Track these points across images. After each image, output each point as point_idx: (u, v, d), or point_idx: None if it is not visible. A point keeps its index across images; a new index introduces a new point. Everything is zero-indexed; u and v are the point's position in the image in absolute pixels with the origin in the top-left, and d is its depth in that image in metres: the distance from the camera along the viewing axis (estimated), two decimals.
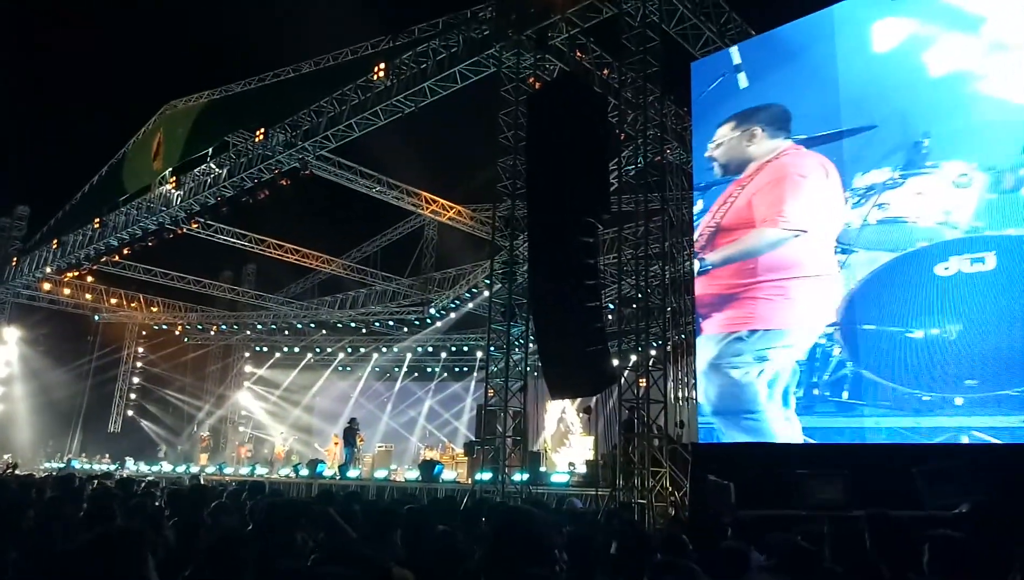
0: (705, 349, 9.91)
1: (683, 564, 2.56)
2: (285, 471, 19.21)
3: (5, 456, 22.68)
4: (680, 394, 12.86)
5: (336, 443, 21.90)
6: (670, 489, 9.54)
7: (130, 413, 27.86)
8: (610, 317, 14.28)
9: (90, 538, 2.43)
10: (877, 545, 3.31)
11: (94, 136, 22.45)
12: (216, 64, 20.16)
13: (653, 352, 10.70)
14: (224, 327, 26.89)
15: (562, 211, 10.12)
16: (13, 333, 25.50)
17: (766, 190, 9.64)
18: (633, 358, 10.78)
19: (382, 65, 13.92)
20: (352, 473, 17.34)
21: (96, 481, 9.00)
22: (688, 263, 11.60)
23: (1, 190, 24.73)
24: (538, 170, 10.98)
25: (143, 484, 9.67)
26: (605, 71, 12.93)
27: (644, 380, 10.07)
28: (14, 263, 24.35)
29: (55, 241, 22.28)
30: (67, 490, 7.01)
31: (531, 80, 12.22)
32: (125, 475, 15.98)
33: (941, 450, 7.55)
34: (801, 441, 8.79)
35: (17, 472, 16.38)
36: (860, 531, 3.73)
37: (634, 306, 10.80)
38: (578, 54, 12.71)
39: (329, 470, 18.15)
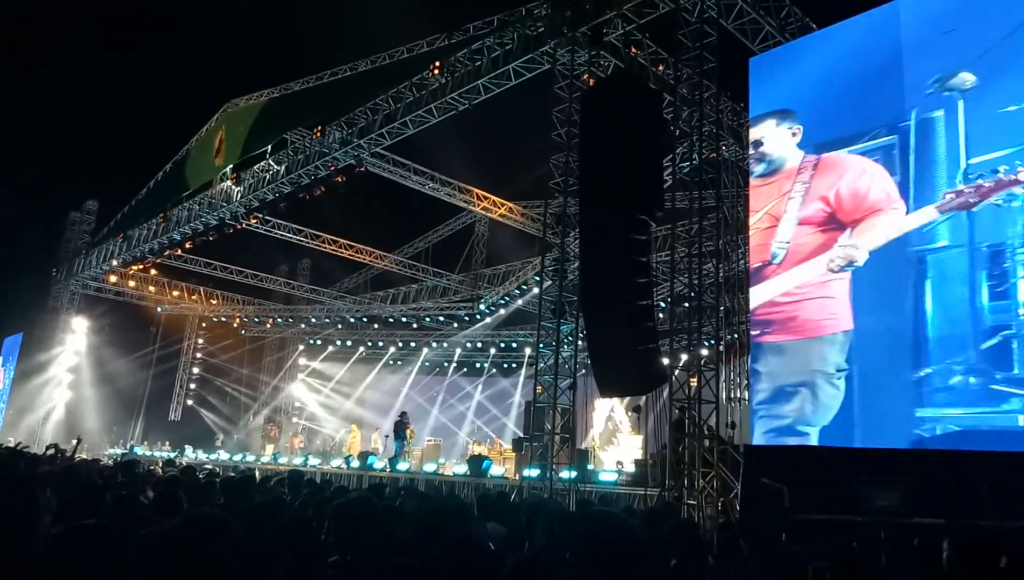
0: None
1: (741, 568, 2.54)
2: (337, 462, 19.58)
3: (74, 441, 23.64)
4: (732, 394, 12.68)
5: (352, 435, 22.32)
6: (720, 491, 9.43)
7: (190, 402, 28.78)
8: (661, 315, 14.16)
9: (178, 523, 2.52)
10: (959, 559, 3.14)
11: (160, 133, 23.26)
12: (276, 64, 20.68)
13: (705, 351, 10.57)
14: (280, 320, 27.54)
15: (615, 208, 10.07)
16: (82, 323, 26.57)
17: None
18: (684, 357, 10.67)
19: (437, 63, 14.06)
20: (402, 466, 17.58)
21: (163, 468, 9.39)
22: (743, 262, 11.42)
23: (72, 185, 25.81)
24: (591, 167, 10.93)
25: (204, 472, 9.99)
26: (660, 67, 12.82)
27: (696, 380, 9.96)
28: (83, 256, 25.38)
29: (121, 235, 23.13)
30: (134, 475, 7.31)
31: (585, 77, 12.18)
32: (185, 463, 16.54)
33: (1005, 458, 7.29)
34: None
35: (84, 456, 17.09)
36: (926, 540, 3.61)
37: (686, 305, 10.69)
38: (633, 50, 12.62)
39: (379, 463, 18.45)
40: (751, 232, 10.38)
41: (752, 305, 10.16)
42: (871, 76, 9.37)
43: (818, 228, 9.40)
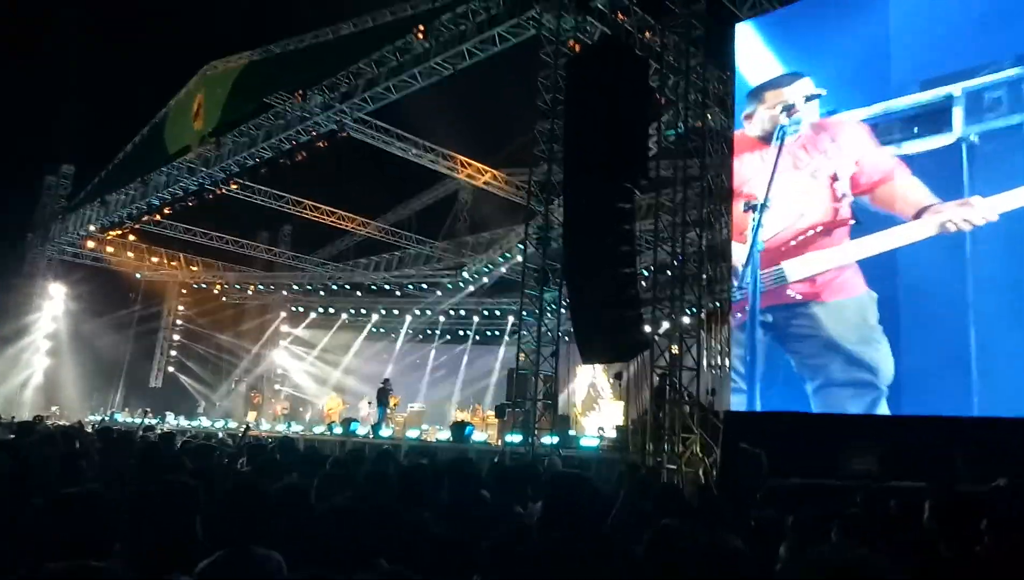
0: None
1: (682, 528, 2.54)
2: (320, 429, 19.65)
3: (53, 408, 23.54)
4: (713, 361, 12.82)
5: (330, 402, 22.32)
6: (700, 456, 9.59)
7: (171, 369, 28.62)
8: (644, 283, 14.23)
9: (141, 490, 2.56)
10: (938, 521, 3.23)
11: (137, 95, 22.75)
12: (256, 25, 20.19)
13: (687, 319, 10.68)
14: (261, 287, 27.35)
15: (599, 176, 10.06)
16: (59, 289, 26.23)
17: None
18: (666, 325, 10.76)
19: (421, 27, 13.85)
20: (385, 432, 17.67)
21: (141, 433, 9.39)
22: (726, 230, 11.47)
23: (47, 149, 25.25)
24: (576, 134, 10.89)
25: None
26: (647, 33, 12.71)
27: (677, 347, 10.07)
28: (60, 221, 24.96)
29: (99, 200, 22.76)
30: (113, 441, 7.29)
31: (571, 43, 12.06)
32: (166, 429, 16.50)
33: (977, 423, 7.47)
34: None
35: (63, 422, 17.01)
36: (903, 502, 3.70)
37: (669, 273, 10.76)
38: (620, 16, 12.49)
39: (362, 429, 18.54)
40: (817, 189, 9.72)
41: (827, 265, 9.37)
42: (975, 8, 8.70)
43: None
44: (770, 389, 9.70)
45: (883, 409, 8.48)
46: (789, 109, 9.96)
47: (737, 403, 10.01)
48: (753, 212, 10.15)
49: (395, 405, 19.82)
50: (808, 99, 9.85)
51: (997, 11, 8.42)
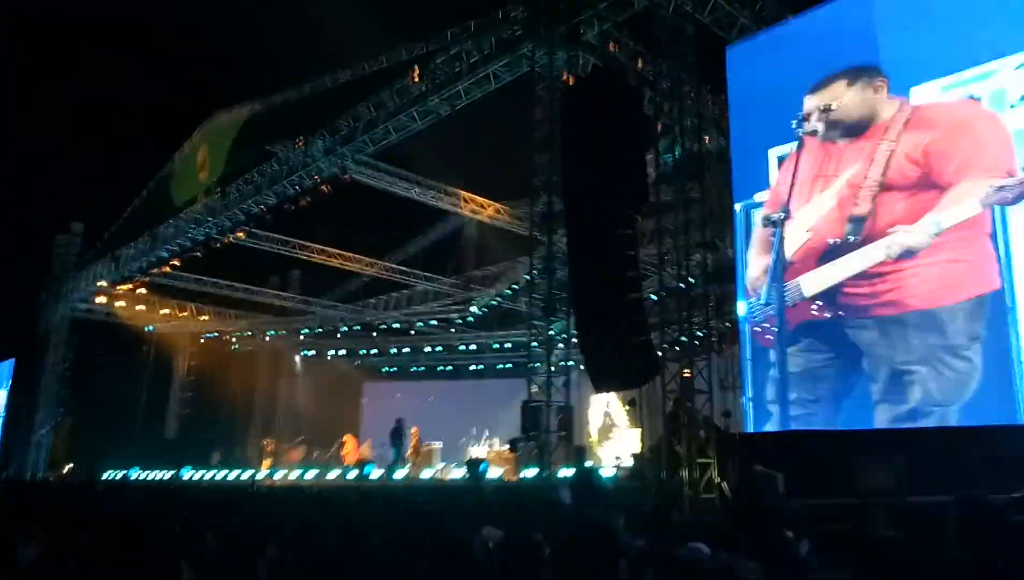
0: None
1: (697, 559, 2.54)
2: (334, 474, 19.55)
3: (68, 466, 23.59)
4: (725, 383, 12.75)
5: (346, 445, 22.08)
6: (717, 480, 9.48)
7: (185, 420, 28.59)
8: (652, 307, 14.22)
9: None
10: (965, 533, 3.17)
11: (142, 150, 23.16)
12: (257, 77, 20.60)
13: (696, 342, 10.65)
14: (272, 333, 27.43)
15: (600, 205, 10.14)
16: (73, 346, 26.38)
17: None
18: (676, 349, 10.73)
19: (416, 69, 14.09)
20: (399, 474, 17.57)
21: None
22: (730, 251, 11.46)
23: (57, 208, 25.65)
24: (575, 165, 11.00)
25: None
26: (639, 62, 12.87)
27: (688, 370, 10.02)
28: (71, 278, 25.23)
29: (109, 255, 23.02)
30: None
31: (565, 77, 12.22)
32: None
33: (995, 431, 7.37)
34: None
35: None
36: (924, 516, 3.66)
37: (674, 296, 10.76)
38: (611, 47, 12.67)
39: (377, 471, 18.44)
40: (828, 204, 9.19)
41: (830, 284, 8.94)
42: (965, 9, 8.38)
43: (906, 194, 8.39)
44: (802, 408, 9.21)
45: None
46: (803, 119, 9.45)
47: (770, 425, 9.60)
48: (773, 226, 9.62)
49: (416, 441, 19.61)
50: (822, 111, 9.30)
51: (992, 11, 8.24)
